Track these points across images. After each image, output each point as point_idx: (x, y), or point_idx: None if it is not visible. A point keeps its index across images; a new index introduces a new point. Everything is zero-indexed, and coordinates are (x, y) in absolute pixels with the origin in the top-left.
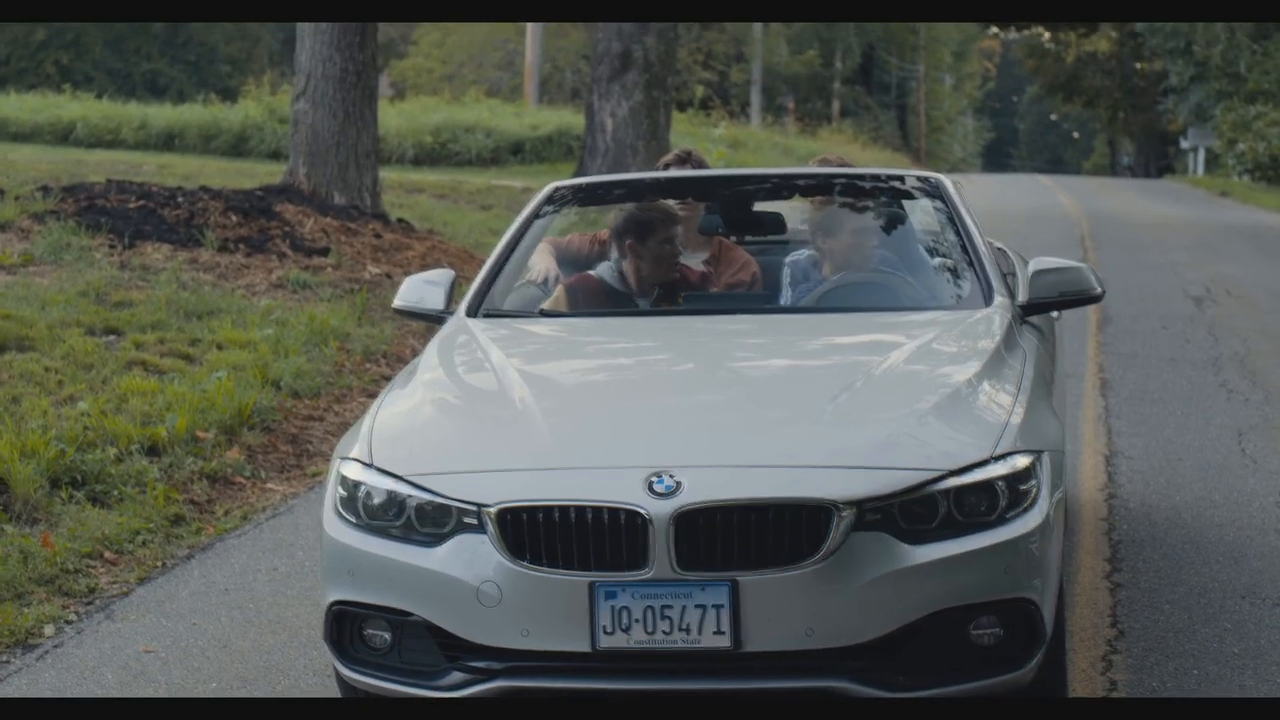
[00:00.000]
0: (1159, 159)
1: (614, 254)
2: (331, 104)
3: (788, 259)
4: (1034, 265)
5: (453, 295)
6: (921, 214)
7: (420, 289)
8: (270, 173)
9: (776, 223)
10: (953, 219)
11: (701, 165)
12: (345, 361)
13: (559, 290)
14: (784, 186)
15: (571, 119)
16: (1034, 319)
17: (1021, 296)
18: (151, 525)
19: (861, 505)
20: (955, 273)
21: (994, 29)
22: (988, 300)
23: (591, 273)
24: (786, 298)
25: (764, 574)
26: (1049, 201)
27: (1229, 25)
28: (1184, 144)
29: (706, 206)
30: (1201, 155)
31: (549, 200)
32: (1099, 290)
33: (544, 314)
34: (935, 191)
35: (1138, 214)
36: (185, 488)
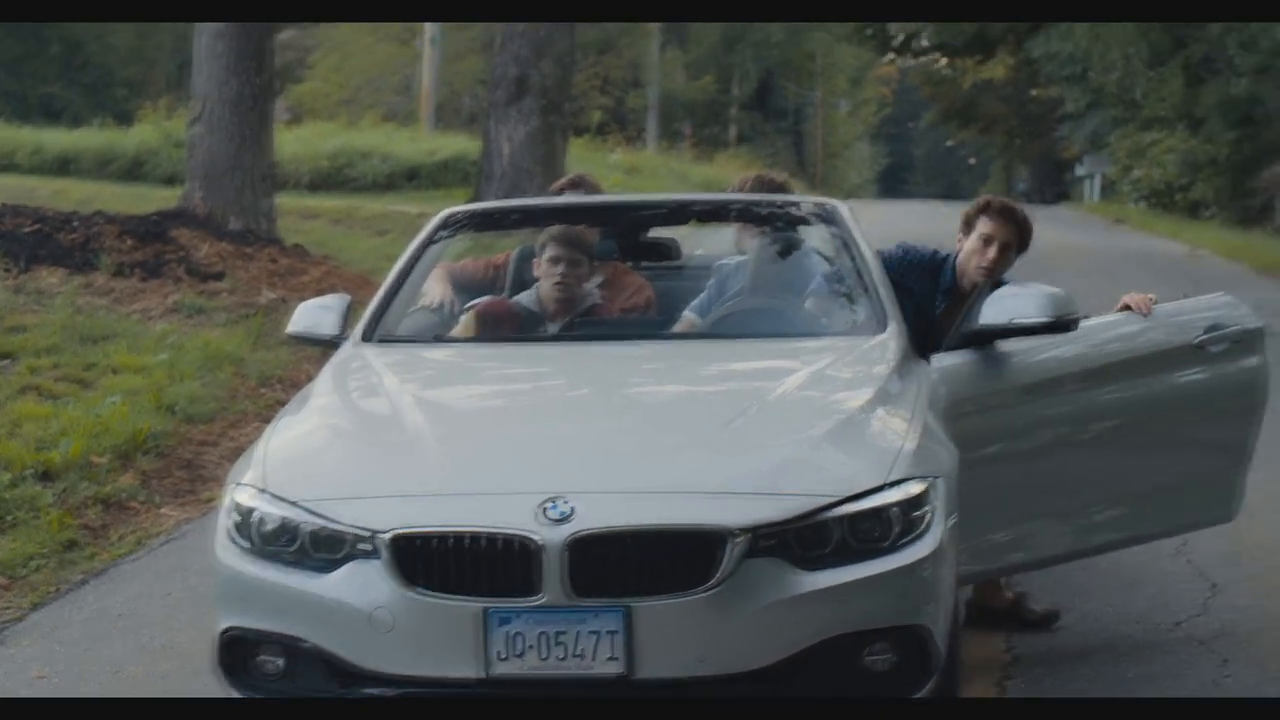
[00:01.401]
0: (1055, 185)
1: (536, 279)
2: (228, 128)
3: (717, 264)
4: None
5: (347, 320)
6: (817, 240)
7: (314, 314)
8: (166, 198)
9: (671, 249)
10: (848, 245)
11: (594, 190)
12: (240, 386)
13: (467, 317)
14: (680, 212)
15: (468, 144)
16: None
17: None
18: (45, 550)
19: (755, 532)
20: (850, 299)
21: (891, 55)
22: (882, 326)
23: (506, 298)
24: (706, 302)
25: (657, 600)
26: (946, 229)
27: (1125, 52)
28: (1079, 170)
29: (602, 232)
30: (1097, 182)
31: (443, 225)
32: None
33: (439, 339)
34: (830, 218)
35: (1035, 241)
36: (79, 513)
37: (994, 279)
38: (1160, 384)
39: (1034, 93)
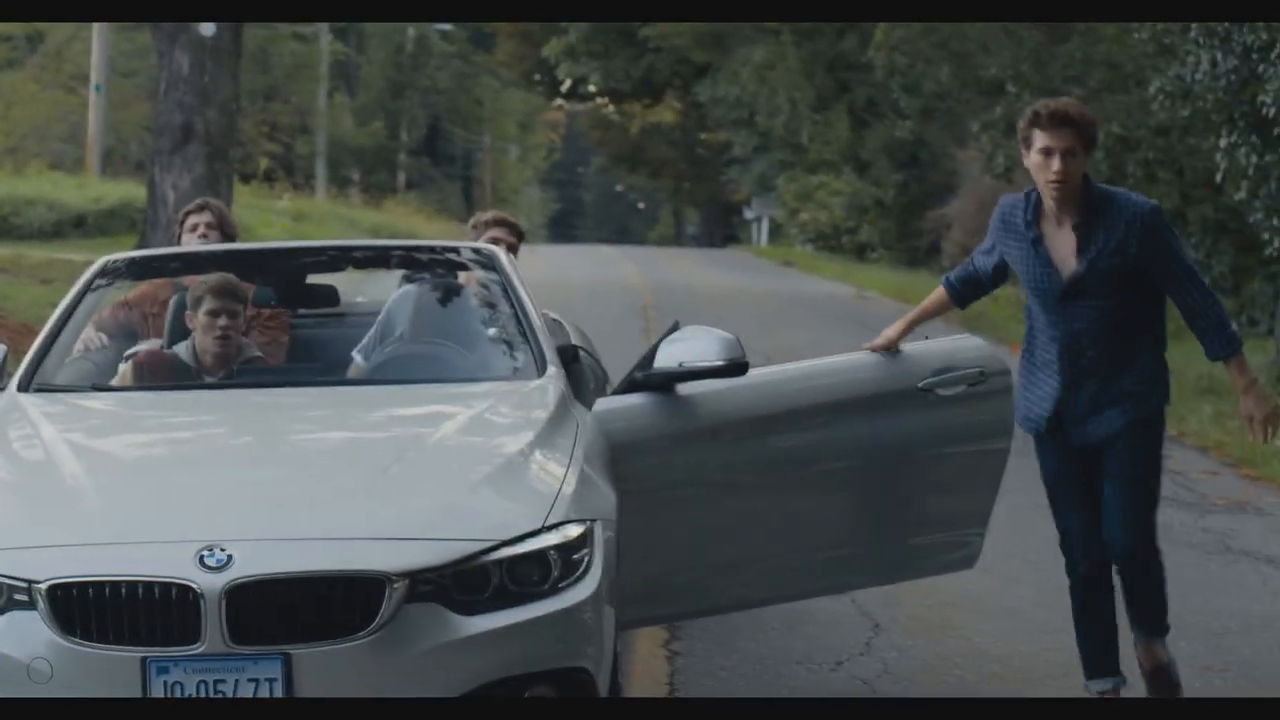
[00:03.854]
0: (724, 229)
1: (191, 329)
2: None
3: (395, 295)
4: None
5: (3, 370)
6: (477, 286)
7: None
8: None
9: (330, 295)
10: (506, 291)
11: (220, 214)
12: None
13: (126, 367)
14: (339, 259)
15: (135, 191)
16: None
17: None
18: None
19: (414, 576)
20: (510, 344)
21: (559, 100)
22: (541, 371)
23: (162, 348)
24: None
25: (317, 646)
26: (613, 273)
27: (791, 96)
28: (748, 214)
29: (259, 279)
30: (766, 225)
31: (101, 273)
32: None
33: (97, 388)
34: (489, 264)
35: (704, 284)
36: None
37: (1070, 188)
38: (885, 426)
39: (703, 136)
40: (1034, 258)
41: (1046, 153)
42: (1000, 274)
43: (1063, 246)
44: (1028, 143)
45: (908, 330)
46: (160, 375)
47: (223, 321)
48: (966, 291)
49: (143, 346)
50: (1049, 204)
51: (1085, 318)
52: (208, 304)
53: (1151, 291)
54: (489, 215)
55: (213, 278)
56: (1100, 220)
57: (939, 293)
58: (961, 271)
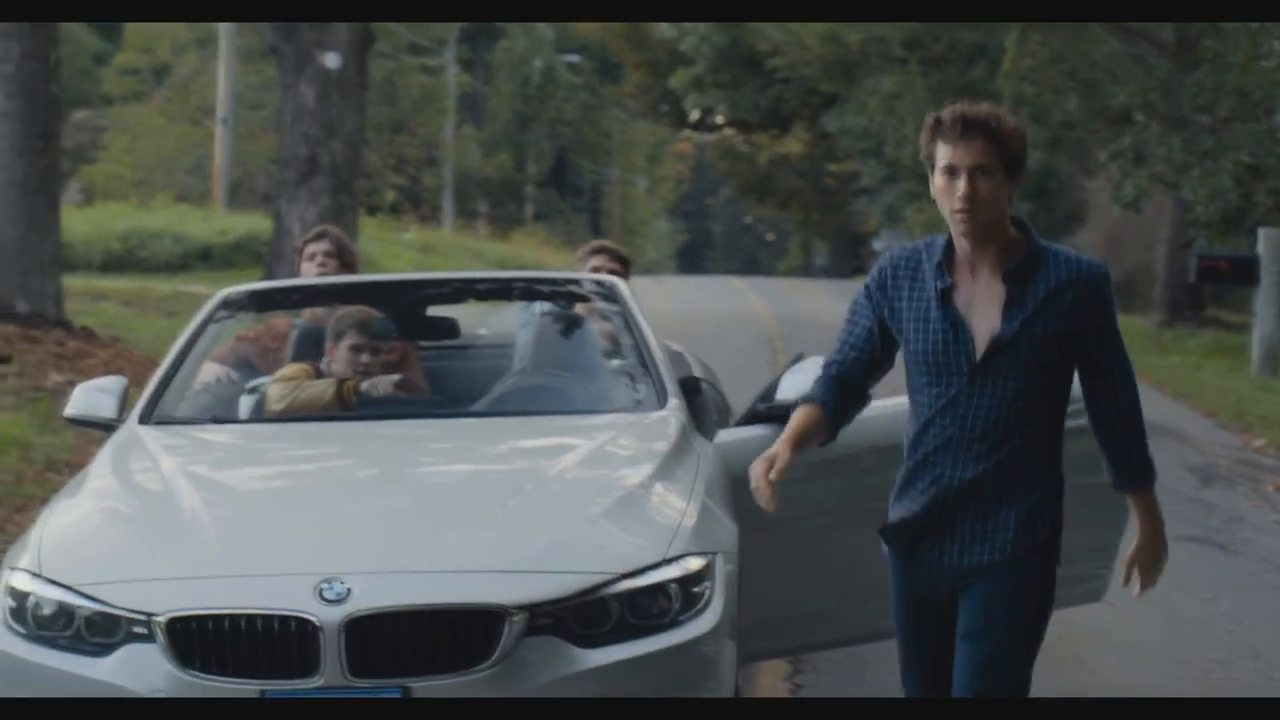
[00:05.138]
0: (853, 260)
1: (329, 360)
2: (14, 211)
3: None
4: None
5: (124, 403)
6: (598, 317)
7: (91, 397)
8: None
9: (450, 328)
10: (627, 322)
11: (340, 242)
12: (27, 471)
13: (265, 394)
14: (461, 290)
15: (261, 224)
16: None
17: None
18: None
19: (533, 609)
20: (630, 376)
21: (686, 131)
22: (662, 402)
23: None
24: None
25: (436, 680)
26: (740, 304)
27: (919, 127)
28: (876, 245)
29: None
30: None
31: (221, 306)
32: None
33: (217, 420)
34: (610, 295)
35: (831, 315)
36: None
37: (984, 219)
38: None
39: (831, 167)
40: (939, 316)
41: (950, 172)
42: (891, 341)
43: (982, 301)
44: (930, 161)
45: (797, 454)
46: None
47: (365, 358)
48: (845, 397)
49: (263, 380)
50: (961, 245)
51: (993, 398)
52: (351, 338)
53: (1066, 375)
54: (593, 244)
55: (356, 311)
56: (1037, 272)
57: (807, 411)
58: (828, 376)
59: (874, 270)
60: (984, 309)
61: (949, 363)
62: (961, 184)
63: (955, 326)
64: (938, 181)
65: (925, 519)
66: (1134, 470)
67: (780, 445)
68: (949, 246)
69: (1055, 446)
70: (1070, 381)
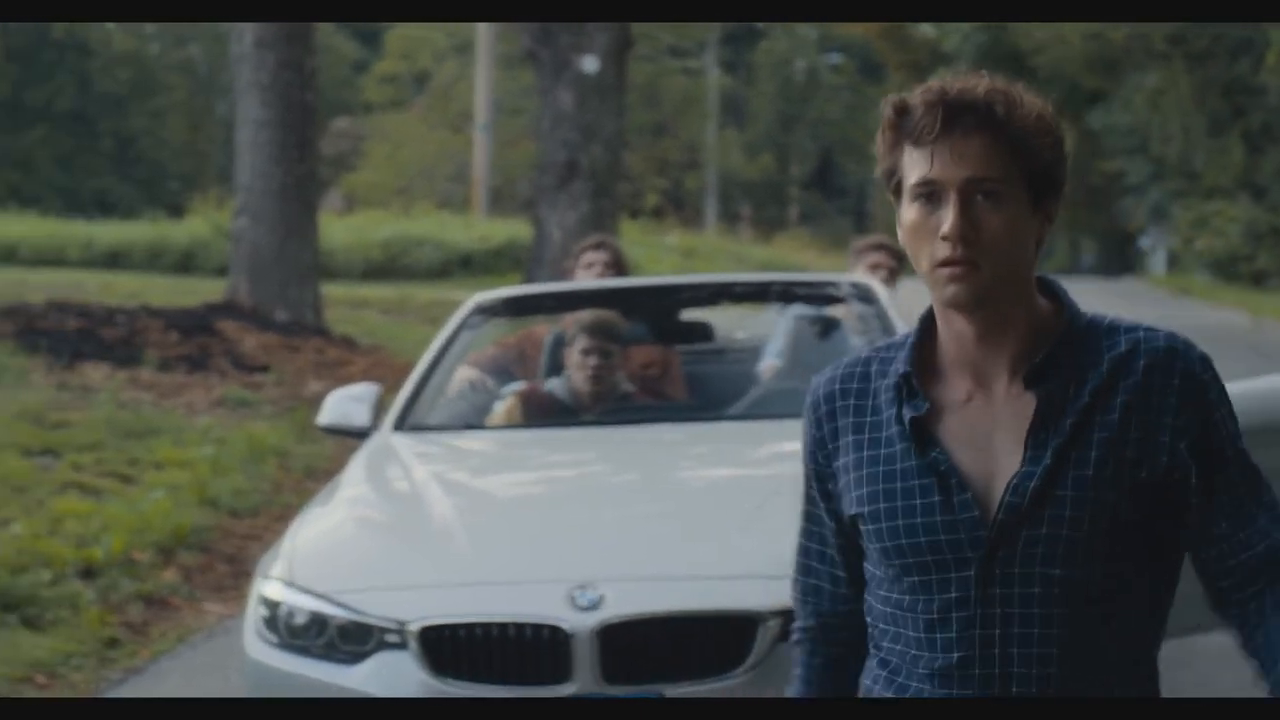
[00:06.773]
0: (1120, 258)
1: (566, 367)
2: (272, 219)
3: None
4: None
5: (378, 410)
6: (858, 320)
7: (345, 405)
8: (215, 290)
9: (704, 331)
10: (884, 324)
11: (616, 253)
12: (285, 479)
13: (502, 405)
14: (716, 294)
15: (521, 230)
16: None
17: None
18: (85, 648)
19: (787, 615)
20: None
21: None
22: None
23: (540, 383)
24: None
25: (689, 685)
26: None
27: (1184, 123)
28: (1143, 243)
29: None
30: (1162, 254)
31: (474, 313)
32: None
33: (470, 427)
34: (866, 297)
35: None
36: (120, 610)
37: (991, 275)
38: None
39: (1096, 165)
40: (909, 468)
41: (927, 194)
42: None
43: (989, 427)
44: (891, 178)
45: None
46: (536, 412)
47: (594, 361)
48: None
49: (515, 386)
50: (949, 331)
51: (1028, 603)
52: (581, 342)
53: (1166, 545)
54: (870, 239)
55: (587, 316)
56: (1085, 368)
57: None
58: (806, 656)
59: (805, 409)
60: (993, 442)
61: (935, 547)
62: (949, 212)
63: (941, 480)
64: (907, 214)
65: None
66: None
67: None
68: (919, 344)
69: (1151, 668)
70: (1177, 556)
